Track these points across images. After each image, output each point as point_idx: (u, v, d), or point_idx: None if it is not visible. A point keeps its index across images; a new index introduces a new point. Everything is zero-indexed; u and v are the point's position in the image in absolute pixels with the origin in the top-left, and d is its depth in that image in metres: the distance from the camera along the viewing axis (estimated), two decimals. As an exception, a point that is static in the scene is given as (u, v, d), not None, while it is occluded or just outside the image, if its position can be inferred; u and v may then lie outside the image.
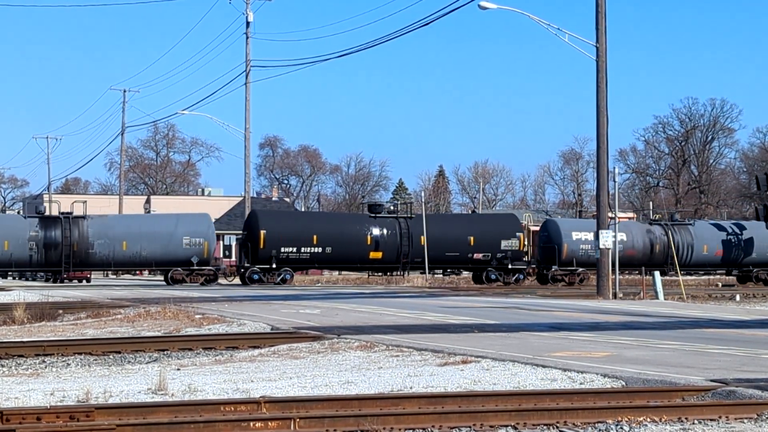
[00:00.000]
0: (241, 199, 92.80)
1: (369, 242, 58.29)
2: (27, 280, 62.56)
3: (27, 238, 52.92)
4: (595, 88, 39.41)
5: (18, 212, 59.86)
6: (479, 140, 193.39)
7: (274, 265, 56.29)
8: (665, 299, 37.32)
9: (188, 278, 56.05)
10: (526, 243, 62.85)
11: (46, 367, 17.31)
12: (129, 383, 13.96)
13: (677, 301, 36.95)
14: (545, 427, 10.83)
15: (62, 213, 55.21)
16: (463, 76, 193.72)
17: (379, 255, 58.44)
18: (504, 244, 60.13)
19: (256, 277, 56.10)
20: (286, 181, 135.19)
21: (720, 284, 60.01)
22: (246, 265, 56.85)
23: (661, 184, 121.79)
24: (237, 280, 59.42)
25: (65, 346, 19.11)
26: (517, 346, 17.96)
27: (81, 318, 28.05)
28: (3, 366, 17.52)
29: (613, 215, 41.95)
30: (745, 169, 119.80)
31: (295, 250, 56.68)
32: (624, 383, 13.36)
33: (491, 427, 10.77)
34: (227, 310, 28.47)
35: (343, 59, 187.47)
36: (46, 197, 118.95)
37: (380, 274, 62.68)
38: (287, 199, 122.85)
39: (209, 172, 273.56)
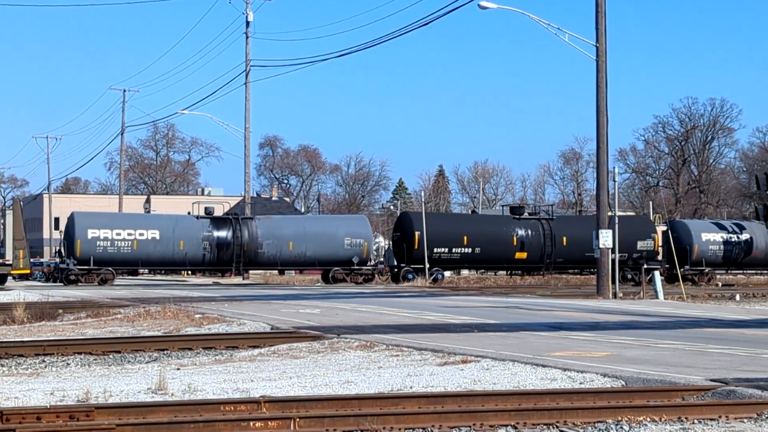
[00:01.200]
0: (240, 198, 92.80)
1: (515, 243, 60.10)
2: (200, 275, 64.09)
3: (201, 238, 55.10)
4: (595, 87, 39.41)
5: (188, 213, 61.53)
6: (479, 140, 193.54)
7: (427, 265, 58.00)
8: (665, 299, 37.31)
9: (348, 277, 57.77)
10: (660, 243, 63.78)
11: (46, 367, 17.31)
12: (129, 383, 13.96)
13: (677, 300, 36.94)
14: (545, 427, 10.83)
15: (232, 214, 58.50)
16: (463, 75, 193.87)
17: (524, 255, 60.39)
18: (640, 244, 61.71)
19: (411, 276, 57.84)
20: (286, 181, 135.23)
21: (720, 284, 60.04)
22: (401, 264, 58.82)
23: (661, 183, 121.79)
24: (372, 280, 60.57)
25: (65, 346, 19.11)
26: (517, 345, 17.96)
27: (81, 318, 28.04)
28: (3, 366, 17.51)
29: (613, 215, 41.90)
30: (745, 169, 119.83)
31: (446, 250, 58.43)
32: (624, 383, 13.36)
33: (491, 426, 10.77)
34: (227, 310, 28.46)
35: (342, 59, 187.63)
36: (46, 197, 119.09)
37: (520, 273, 64.06)
38: (287, 199, 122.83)
39: (209, 172, 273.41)
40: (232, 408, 11.11)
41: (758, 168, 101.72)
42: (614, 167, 44.87)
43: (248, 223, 56.66)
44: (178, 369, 15.89)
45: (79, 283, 52.77)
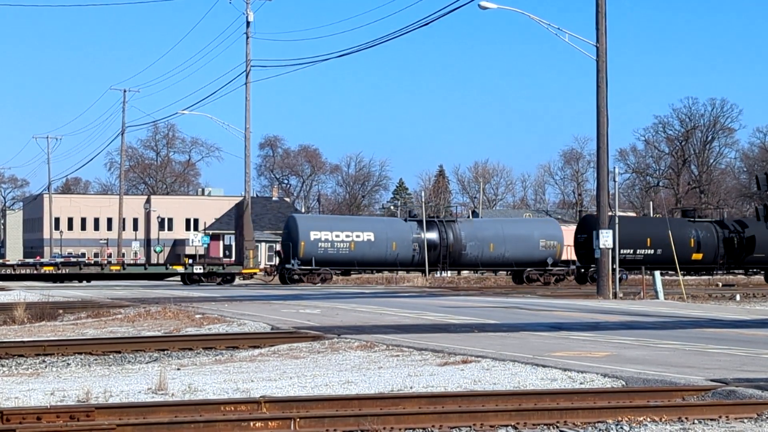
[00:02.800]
0: (241, 198, 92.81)
1: (692, 244, 61.41)
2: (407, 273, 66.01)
3: (411, 239, 57.96)
4: (595, 88, 39.40)
5: (393, 215, 64.29)
6: (479, 140, 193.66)
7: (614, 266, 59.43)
8: (665, 299, 37.30)
9: (541, 278, 59.70)
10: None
11: (46, 367, 17.31)
12: (129, 383, 13.96)
13: (677, 300, 36.93)
14: (545, 427, 10.83)
15: (437, 217, 61.34)
16: (463, 76, 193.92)
17: (699, 256, 61.62)
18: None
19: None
20: (286, 181, 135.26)
21: (720, 284, 60.04)
22: (590, 266, 59.65)
23: (661, 184, 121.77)
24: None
25: (65, 346, 19.11)
26: (518, 345, 17.96)
27: (81, 318, 28.05)
28: (3, 366, 17.52)
29: (613, 215, 41.90)
30: (745, 169, 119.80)
31: (631, 251, 59.50)
32: (624, 383, 13.36)
33: (491, 426, 10.77)
34: (227, 310, 28.47)
35: (343, 59, 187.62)
36: (46, 197, 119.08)
37: (694, 274, 65.23)
38: (287, 199, 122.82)
39: (209, 172, 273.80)
40: (233, 408, 11.11)
41: (758, 168, 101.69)
42: (614, 167, 44.91)
43: (452, 226, 59.54)
44: (178, 369, 15.89)
45: (300, 283, 55.69)
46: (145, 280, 58.04)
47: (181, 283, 56.63)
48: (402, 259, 57.64)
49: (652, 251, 60.55)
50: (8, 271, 56.99)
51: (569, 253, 62.55)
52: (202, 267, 58.95)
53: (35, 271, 57.53)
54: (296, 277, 56.20)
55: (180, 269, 58.26)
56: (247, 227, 58.54)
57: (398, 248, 56.89)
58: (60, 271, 57.35)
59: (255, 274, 59.70)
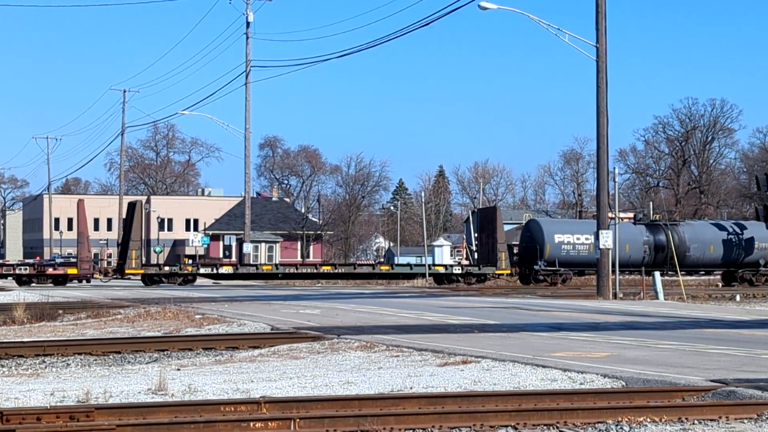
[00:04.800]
0: (241, 199, 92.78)
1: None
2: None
3: (642, 242, 60.03)
4: (595, 88, 39.40)
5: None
6: (479, 140, 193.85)
7: None
8: (665, 299, 37.29)
9: (754, 278, 61.04)
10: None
11: (46, 367, 17.31)
12: (129, 383, 13.96)
13: (677, 301, 36.93)
14: (545, 427, 10.83)
15: (661, 220, 62.60)
16: (463, 76, 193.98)
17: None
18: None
19: None
20: (286, 181, 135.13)
21: (720, 284, 60.04)
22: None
23: (661, 184, 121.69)
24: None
25: (65, 347, 19.11)
26: (517, 346, 17.96)
27: (81, 318, 28.04)
28: (3, 366, 17.51)
29: (613, 215, 41.89)
30: (745, 170, 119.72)
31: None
32: (624, 383, 13.36)
33: (491, 427, 10.77)
34: (227, 311, 28.46)
35: (343, 59, 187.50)
36: (46, 197, 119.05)
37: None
38: (287, 200, 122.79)
39: (209, 173, 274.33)
40: (233, 408, 11.11)
41: (758, 168, 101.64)
42: (614, 168, 44.90)
43: (676, 229, 61.37)
44: (178, 369, 15.89)
45: (543, 283, 57.65)
46: (386, 280, 60.95)
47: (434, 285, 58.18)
48: (633, 261, 59.45)
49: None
50: (226, 271, 59.26)
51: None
52: (460, 267, 62.49)
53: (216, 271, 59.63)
54: (540, 277, 58.40)
55: (440, 269, 60.99)
56: (500, 231, 60.36)
57: (631, 250, 58.71)
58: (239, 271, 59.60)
59: (505, 275, 61.48)
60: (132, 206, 58.23)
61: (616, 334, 20.59)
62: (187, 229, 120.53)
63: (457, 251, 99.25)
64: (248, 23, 68.65)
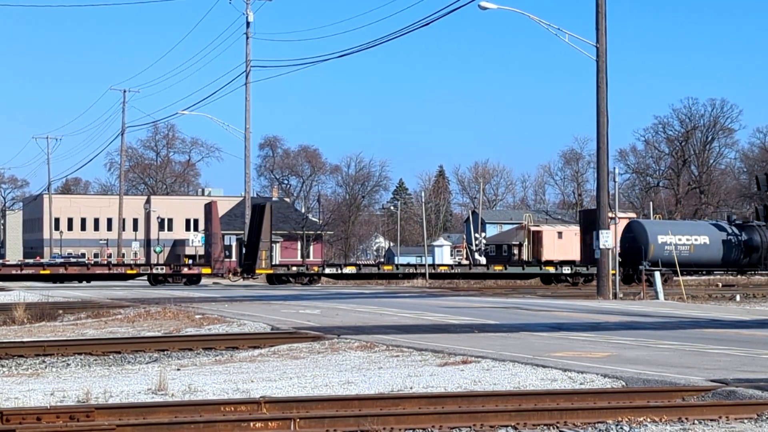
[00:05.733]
0: (241, 199, 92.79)
1: None
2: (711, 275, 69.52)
3: (734, 243, 61.28)
4: (595, 88, 39.39)
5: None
6: (479, 140, 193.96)
7: None
8: (665, 299, 37.29)
9: None
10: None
11: (46, 367, 17.31)
12: (129, 383, 13.96)
13: (677, 301, 36.92)
14: (545, 427, 10.83)
15: (756, 223, 63.44)
16: (463, 76, 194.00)
17: None
18: None
19: None
20: (286, 182, 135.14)
21: (720, 284, 60.03)
22: None
23: (661, 184, 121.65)
24: None
25: (65, 347, 19.11)
26: (517, 346, 17.95)
27: (81, 318, 28.04)
28: (3, 366, 17.51)
29: (614, 215, 41.89)
30: (745, 170, 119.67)
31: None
32: (624, 383, 13.36)
33: (491, 427, 10.76)
34: (227, 311, 28.46)
35: (343, 59, 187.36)
36: (46, 197, 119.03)
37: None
38: (287, 200, 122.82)
39: (209, 173, 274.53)
40: (233, 408, 11.11)
41: (758, 168, 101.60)
42: (614, 168, 44.90)
43: (765, 230, 62.59)
44: (178, 369, 15.89)
45: (646, 283, 58.10)
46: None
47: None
48: (726, 260, 60.80)
49: None
50: (349, 271, 61.28)
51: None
52: (570, 267, 63.06)
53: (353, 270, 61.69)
54: (645, 277, 59.29)
55: (551, 269, 61.59)
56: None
57: (725, 250, 60.31)
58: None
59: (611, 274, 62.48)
60: (260, 208, 59.83)
61: (616, 334, 20.59)
62: (187, 229, 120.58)
63: (457, 251, 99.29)
64: (248, 23, 68.65)
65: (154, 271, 58.85)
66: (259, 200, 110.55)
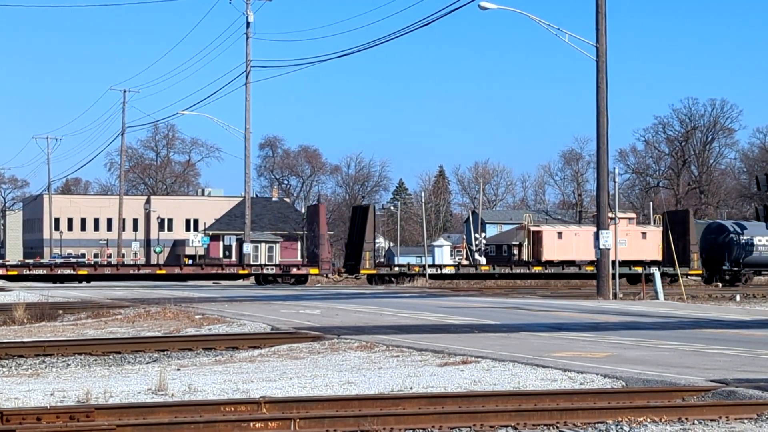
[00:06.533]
0: (241, 199, 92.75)
1: None
2: None
3: None
4: (595, 88, 39.40)
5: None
6: (479, 140, 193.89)
7: None
8: (665, 299, 37.29)
9: None
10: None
11: (46, 368, 17.30)
12: (129, 383, 13.96)
13: (677, 301, 36.92)
14: (545, 428, 10.83)
15: None
16: (463, 76, 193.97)
17: None
18: None
19: None
20: (286, 182, 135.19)
21: (720, 285, 60.06)
22: None
23: (661, 184, 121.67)
24: None
25: (65, 347, 19.10)
26: (517, 346, 17.95)
27: (81, 318, 28.04)
28: (3, 366, 17.51)
29: (613, 215, 41.89)
30: (745, 170, 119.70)
31: None
32: (624, 383, 13.36)
33: (491, 427, 10.76)
34: (227, 311, 28.46)
35: (343, 60, 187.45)
36: (46, 197, 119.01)
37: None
38: (287, 200, 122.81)
39: (209, 173, 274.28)
40: (233, 408, 11.11)
41: (758, 169, 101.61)
42: (614, 168, 44.92)
43: None
44: (178, 369, 15.89)
45: (728, 283, 61.05)
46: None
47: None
48: None
49: None
50: (448, 272, 62.64)
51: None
52: (657, 268, 64.01)
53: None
54: (727, 277, 61.25)
55: (638, 269, 61.15)
56: (691, 233, 62.14)
57: None
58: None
59: (696, 275, 63.80)
60: (363, 210, 61.42)
61: (616, 334, 20.59)
62: (187, 229, 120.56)
63: (457, 251, 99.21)
64: (248, 23, 68.64)
65: (265, 271, 61.05)
66: (259, 200, 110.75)
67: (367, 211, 60.18)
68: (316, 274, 60.65)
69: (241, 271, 61.41)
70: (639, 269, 61.76)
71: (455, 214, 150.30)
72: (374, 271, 59.59)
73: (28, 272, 58.24)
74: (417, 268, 62.48)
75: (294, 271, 61.26)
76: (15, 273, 57.63)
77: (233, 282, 59.99)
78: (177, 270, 61.14)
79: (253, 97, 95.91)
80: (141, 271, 60.14)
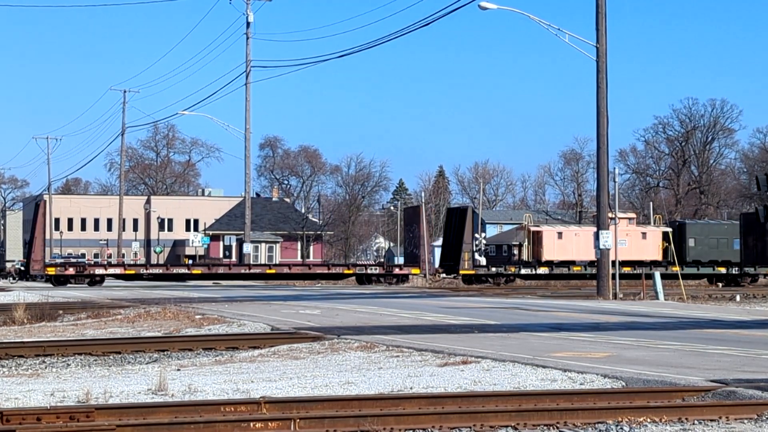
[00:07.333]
0: (241, 199, 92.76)
1: None
2: None
3: None
4: (595, 88, 39.41)
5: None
6: (479, 140, 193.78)
7: None
8: (665, 300, 37.29)
9: None
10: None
11: (46, 368, 17.30)
12: (129, 383, 13.96)
13: (677, 301, 36.93)
14: (545, 428, 10.83)
15: None
16: (464, 76, 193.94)
17: None
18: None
19: None
20: (286, 182, 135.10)
21: (720, 285, 60.04)
22: None
23: (661, 184, 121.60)
24: None
25: (65, 347, 19.11)
26: (517, 346, 17.95)
27: (81, 318, 28.05)
28: (3, 366, 17.51)
29: (613, 216, 41.88)
30: (745, 170, 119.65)
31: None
32: (624, 384, 13.36)
33: (491, 427, 10.77)
34: (227, 311, 28.46)
35: (343, 60, 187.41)
36: (46, 198, 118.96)
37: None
38: (287, 200, 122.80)
39: (209, 173, 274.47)
40: (233, 409, 11.11)
41: (759, 169, 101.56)
42: (614, 168, 44.95)
43: None
44: (178, 370, 15.89)
45: None
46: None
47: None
48: None
49: None
50: (543, 272, 62.96)
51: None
52: (737, 268, 64.52)
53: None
54: None
55: (722, 270, 62.71)
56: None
57: None
58: None
59: None
60: (460, 211, 63.11)
61: (616, 335, 20.58)
62: (187, 229, 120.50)
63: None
64: (248, 23, 68.66)
65: (368, 271, 62.69)
66: (259, 200, 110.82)
67: (465, 213, 61.53)
68: (416, 274, 62.18)
69: (346, 271, 63.67)
70: (722, 269, 63.17)
71: None
72: (473, 272, 60.98)
73: (145, 272, 61.94)
74: (513, 269, 63.46)
75: (396, 271, 62.82)
76: (132, 272, 61.18)
77: (337, 281, 61.71)
78: (286, 270, 63.82)
79: (253, 97, 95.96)
80: (252, 271, 62.38)
